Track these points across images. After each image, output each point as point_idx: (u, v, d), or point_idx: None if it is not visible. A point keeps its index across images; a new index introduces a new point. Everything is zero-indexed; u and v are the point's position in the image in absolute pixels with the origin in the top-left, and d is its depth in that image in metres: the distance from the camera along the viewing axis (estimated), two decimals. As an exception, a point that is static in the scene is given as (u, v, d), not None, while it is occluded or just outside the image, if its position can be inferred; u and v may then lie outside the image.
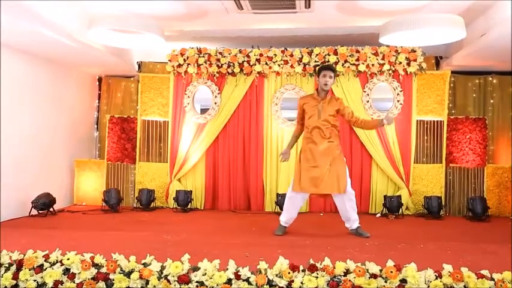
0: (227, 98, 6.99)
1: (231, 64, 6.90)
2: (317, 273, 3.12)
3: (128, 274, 3.21)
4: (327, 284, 3.08)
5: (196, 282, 3.12)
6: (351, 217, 4.94)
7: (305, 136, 5.02)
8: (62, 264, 3.32)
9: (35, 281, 3.26)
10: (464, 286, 3.03)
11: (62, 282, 3.23)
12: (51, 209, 6.30)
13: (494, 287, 3.02)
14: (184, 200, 6.73)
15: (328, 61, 6.62)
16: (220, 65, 6.92)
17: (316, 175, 4.81)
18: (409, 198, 6.63)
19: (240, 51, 6.91)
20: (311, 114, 4.91)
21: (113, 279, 3.20)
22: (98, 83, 8.06)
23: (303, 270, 3.16)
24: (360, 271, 3.10)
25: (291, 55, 6.80)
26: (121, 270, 3.25)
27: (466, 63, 6.59)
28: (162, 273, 3.20)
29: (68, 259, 3.32)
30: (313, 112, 4.90)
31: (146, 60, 7.63)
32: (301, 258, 3.35)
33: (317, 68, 5.11)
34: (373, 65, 6.62)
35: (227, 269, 3.17)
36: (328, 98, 4.97)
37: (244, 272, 3.13)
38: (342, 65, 6.67)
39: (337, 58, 6.68)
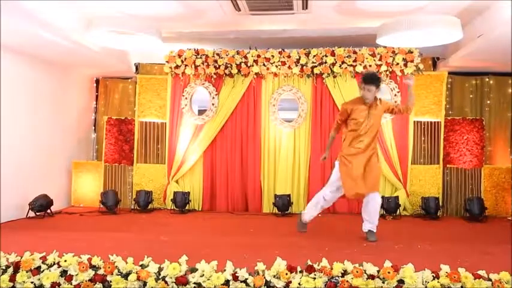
0: (225, 99, 7.00)
1: (229, 65, 6.90)
2: (315, 274, 3.12)
3: (126, 276, 3.20)
4: (325, 285, 3.07)
5: (194, 283, 3.12)
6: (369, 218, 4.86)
7: (347, 142, 4.84)
8: (59, 266, 3.31)
9: (32, 283, 3.24)
10: (462, 287, 3.03)
11: (59, 284, 3.22)
12: (48, 211, 6.28)
13: (491, 288, 3.03)
14: (182, 201, 6.73)
15: (370, 65, 6.60)
16: (217, 66, 6.92)
17: (356, 181, 4.71)
18: (407, 199, 6.64)
19: (238, 53, 6.91)
20: (359, 120, 4.73)
21: (111, 281, 3.19)
22: (95, 84, 8.05)
23: (301, 271, 3.16)
24: (357, 272, 3.10)
25: (289, 56, 6.81)
26: (118, 271, 3.24)
27: (463, 64, 6.61)
28: (159, 274, 3.19)
29: (65, 261, 3.31)
30: (361, 118, 4.72)
31: (144, 61, 7.62)
32: (299, 259, 3.35)
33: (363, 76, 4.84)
34: (370, 66, 6.64)
35: (225, 270, 3.16)
36: (374, 103, 4.75)
37: (242, 273, 3.13)
38: (340, 66, 6.68)
39: (335, 59, 6.69)
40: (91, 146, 8.03)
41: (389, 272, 3.08)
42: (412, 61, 6.62)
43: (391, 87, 6.72)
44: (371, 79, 4.67)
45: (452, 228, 5.75)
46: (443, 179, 6.77)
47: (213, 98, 7.02)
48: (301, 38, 6.92)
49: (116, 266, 3.26)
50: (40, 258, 3.39)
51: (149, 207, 6.90)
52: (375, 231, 4.81)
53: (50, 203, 6.30)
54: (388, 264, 3.16)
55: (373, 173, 4.76)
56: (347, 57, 6.69)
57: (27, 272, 3.29)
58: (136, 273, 3.20)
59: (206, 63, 6.94)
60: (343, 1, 5.62)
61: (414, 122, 6.80)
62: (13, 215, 5.97)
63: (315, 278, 3.10)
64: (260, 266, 3.18)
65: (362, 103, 4.76)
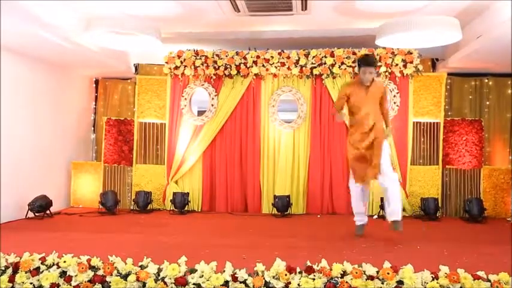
0: (224, 100, 7.00)
1: (228, 66, 6.90)
2: (314, 275, 3.12)
3: (125, 276, 3.20)
4: (324, 286, 3.08)
5: (193, 284, 3.12)
6: (388, 205, 4.77)
7: (350, 124, 4.91)
8: (59, 267, 3.31)
9: (31, 283, 3.24)
10: (461, 287, 3.03)
11: (58, 285, 3.22)
12: (47, 212, 6.27)
13: (490, 288, 3.03)
14: (181, 202, 6.72)
15: (368, 55, 6.42)
16: (217, 67, 6.92)
17: (362, 166, 4.74)
18: (406, 199, 6.63)
19: (237, 53, 6.92)
20: (357, 100, 4.76)
21: (110, 282, 3.19)
22: (94, 85, 8.05)
23: (300, 272, 3.16)
24: (356, 273, 3.10)
25: (288, 57, 6.81)
26: (118, 272, 3.24)
27: (462, 65, 6.62)
28: (159, 275, 3.19)
29: (65, 262, 3.31)
30: (360, 103, 4.74)
31: (143, 62, 7.62)
32: (298, 260, 3.36)
33: (357, 59, 4.91)
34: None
35: (224, 271, 3.16)
36: (372, 85, 4.78)
37: (241, 274, 3.13)
38: (339, 67, 6.69)
39: (334, 60, 6.70)
40: (90, 147, 8.03)
41: (388, 273, 3.08)
42: (411, 62, 6.62)
43: (390, 88, 6.72)
44: (369, 61, 4.72)
45: (452, 229, 5.74)
46: (442, 179, 6.77)
47: (213, 98, 7.02)
48: (301, 39, 6.92)
49: (115, 267, 3.26)
50: (39, 259, 3.39)
51: (148, 208, 6.90)
52: (399, 219, 4.68)
53: (49, 203, 6.29)
54: (387, 265, 3.16)
55: (379, 156, 4.69)
56: (346, 58, 6.70)
57: (26, 272, 3.29)
58: (136, 274, 3.20)
59: (205, 64, 6.95)
60: (343, 2, 5.62)
61: (413, 122, 6.80)
62: (12, 215, 5.97)
63: (314, 279, 3.10)
64: (259, 267, 3.18)
65: (360, 86, 4.78)
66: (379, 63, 6.63)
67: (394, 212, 4.71)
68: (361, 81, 4.78)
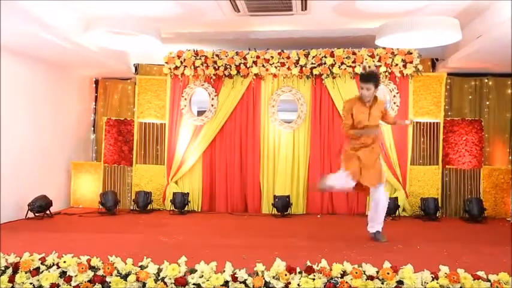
0: (224, 100, 7.00)
1: (228, 66, 6.90)
2: (314, 275, 3.12)
3: (125, 277, 3.20)
4: (324, 286, 3.08)
5: (193, 284, 3.12)
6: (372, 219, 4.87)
7: (350, 139, 4.83)
8: (59, 267, 3.31)
9: (31, 284, 3.24)
10: (461, 287, 3.03)
11: (58, 285, 3.22)
12: (47, 212, 6.27)
13: (490, 288, 3.03)
14: (181, 202, 6.72)
15: (369, 66, 6.46)
16: (217, 67, 6.92)
17: (358, 168, 4.74)
18: (406, 199, 6.64)
19: (237, 54, 6.92)
20: (359, 119, 4.69)
21: (110, 282, 3.19)
22: (94, 85, 8.05)
23: (300, 272, 3.16)
24: (356, 273, 3.10)
25: (288, 57, 6.81)
26: (118, 272, 3.24)
27: (462, 65, 6.62)
28: (158, 275, 3.19)
29: (65, 262, 3.31)
30: (361, 117, 4.69)
31: (143, 62, 7.63)
32: (298, 260, 3.36)
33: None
34: (369, 67, 6.64)
35: (224, 271, 3.16)
36: (374, 105, 4.73)
37: (241, 274, 3.13)
38: (339, 67, 6.69)
39: (334, 60, 6.70)
40: (90, 147, 8.03)
41: (388, 273, 3.08)
42: (411, 62, 6.63)
43: (390, 88, 6.72)
44: (369, 77, 4.64)
45: (452, 229, 5.75)
46: (442, 179, 6.77)
47: (212, 99, 7.02)
48: (300, 39, 6.92)
49: (115, 267, 3.26)
50: (39, 259, 3.39)
51: (148, 208, 6.90)
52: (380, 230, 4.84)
53: (49, 203, 6.29)
54: (387, 265, 3.16)
55: (376, 166, 4.75)
56: (346, 58, 6.70)
57: (26, 273, 3.29)
58: (136, 274, 3.20)
59: (205, 64, 6.95)
60: (343, 2, 5.62)
61: (413, 122, 6.80)
62: (12, 215, 5.96)
63: (314, 279, 3.10)
64: (259, 267, 3.18)
65: (361, 102, 4.73)
66: (378, 63, 6.63)
67: (379, 223, 4.82)
68: (361, 98, 4.73)
